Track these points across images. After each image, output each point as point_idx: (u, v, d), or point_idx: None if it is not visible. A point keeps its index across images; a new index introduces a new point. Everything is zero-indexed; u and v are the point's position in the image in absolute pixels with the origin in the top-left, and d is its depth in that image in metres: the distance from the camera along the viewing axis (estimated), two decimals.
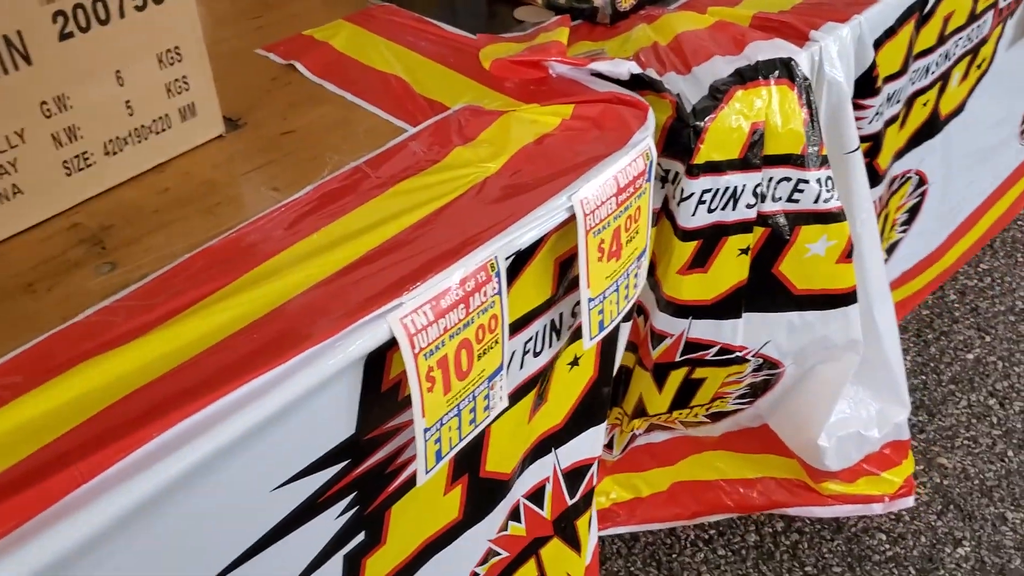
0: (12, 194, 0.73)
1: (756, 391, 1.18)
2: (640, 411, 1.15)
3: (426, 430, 0.71)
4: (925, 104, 1.33)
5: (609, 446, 1.23)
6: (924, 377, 1.71)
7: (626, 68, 0.90)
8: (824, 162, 0.96)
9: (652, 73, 0.92)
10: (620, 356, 1.00)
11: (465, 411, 0.75)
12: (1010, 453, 1.58)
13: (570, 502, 0.99)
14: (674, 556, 1.43)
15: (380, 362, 0.68)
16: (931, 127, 1.38)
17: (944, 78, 1.34)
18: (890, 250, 1.49)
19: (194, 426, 0.58)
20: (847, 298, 1.05)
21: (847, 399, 1.19)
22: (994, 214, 1.81)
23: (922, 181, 1.45)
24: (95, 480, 0.55)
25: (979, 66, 1.44)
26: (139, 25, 0.76)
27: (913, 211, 1.48)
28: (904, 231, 1.49)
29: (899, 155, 1.31)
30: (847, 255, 1.01)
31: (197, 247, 0.73)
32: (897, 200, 1.41)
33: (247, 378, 0.60)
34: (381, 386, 0.70)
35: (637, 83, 0.91)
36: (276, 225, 0.75)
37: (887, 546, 1.44)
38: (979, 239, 1.82)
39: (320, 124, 0.88)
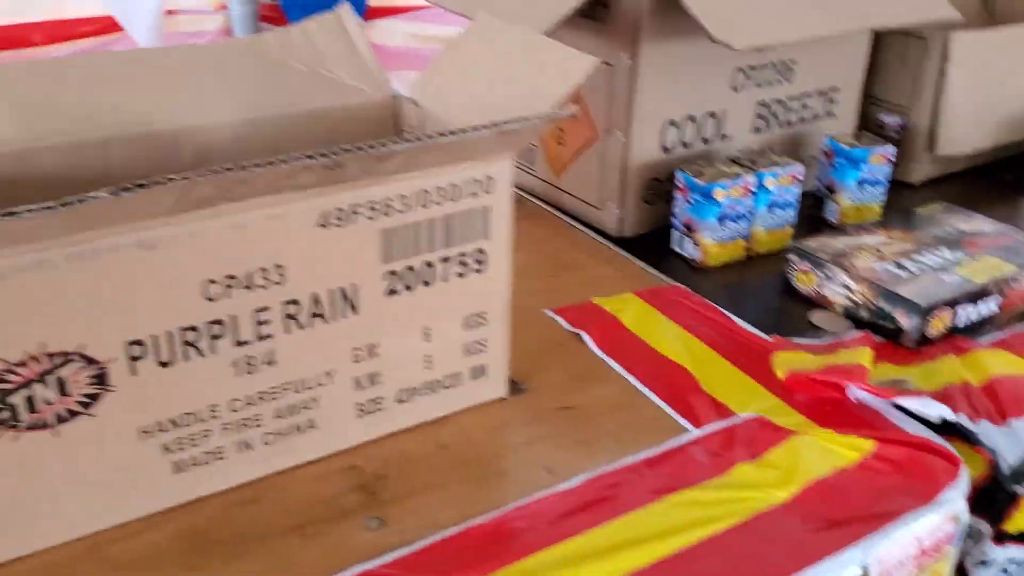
0: (307, 428, 0.75)
1: None
2: None
3: None
4: None
5: None
6: None
7: (938, 412, 0.82)
8: None
9: (966, 422, 0.84)
10: None
11: None
12: None
13: None
14: None
15: None
16: None
17: None
18: None
19: None
20: None
21: None
22: None
23: None
24: None
25: None
26: (456, 290, 0.78)
27: None
28: None
29: None
30: None
31: (465, 521, 0.71)
32: None
33: None
34: None
35: (946, 428, 0.83)
36: (544, 513, 0.72)
37: None
38: None
39: (600, 405, 0.87)
